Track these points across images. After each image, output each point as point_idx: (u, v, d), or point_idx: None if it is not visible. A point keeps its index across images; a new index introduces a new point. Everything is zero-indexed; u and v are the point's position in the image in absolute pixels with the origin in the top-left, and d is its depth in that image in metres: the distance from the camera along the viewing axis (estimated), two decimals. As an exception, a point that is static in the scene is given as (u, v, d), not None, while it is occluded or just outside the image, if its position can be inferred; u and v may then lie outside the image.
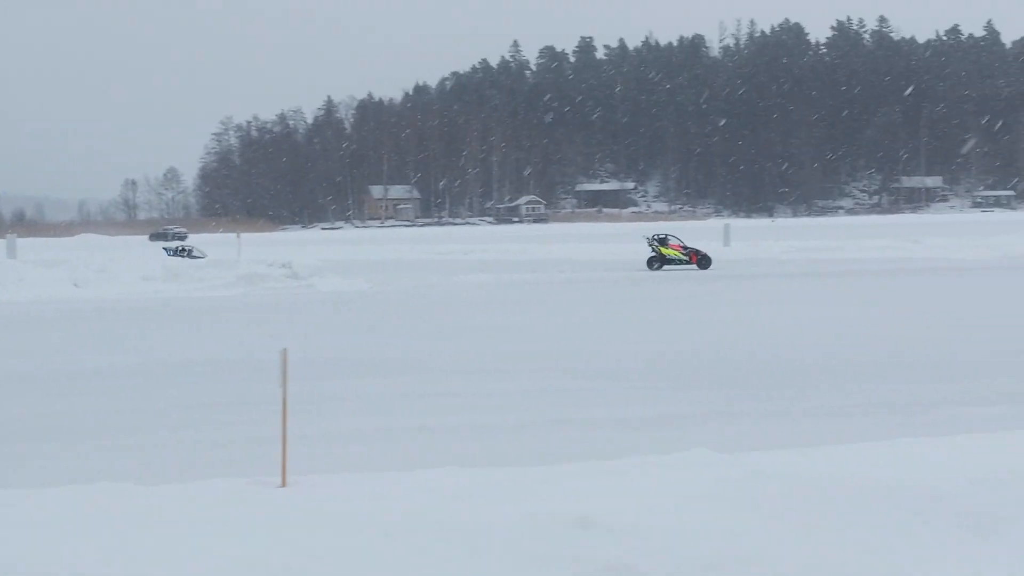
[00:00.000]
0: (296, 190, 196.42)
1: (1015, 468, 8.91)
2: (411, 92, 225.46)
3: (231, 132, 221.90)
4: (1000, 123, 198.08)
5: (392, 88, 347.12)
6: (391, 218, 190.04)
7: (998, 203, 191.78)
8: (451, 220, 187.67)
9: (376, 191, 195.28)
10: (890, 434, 11.22)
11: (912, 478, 8.65)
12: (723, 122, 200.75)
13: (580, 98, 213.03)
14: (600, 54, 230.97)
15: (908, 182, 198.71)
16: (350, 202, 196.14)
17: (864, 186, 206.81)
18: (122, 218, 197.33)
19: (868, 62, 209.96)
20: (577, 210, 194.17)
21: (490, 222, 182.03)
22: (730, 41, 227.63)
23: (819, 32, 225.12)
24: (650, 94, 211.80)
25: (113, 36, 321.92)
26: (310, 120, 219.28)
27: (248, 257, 47.47)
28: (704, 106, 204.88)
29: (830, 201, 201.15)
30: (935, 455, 9.50)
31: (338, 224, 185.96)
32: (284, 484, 9.36)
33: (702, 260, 46.96)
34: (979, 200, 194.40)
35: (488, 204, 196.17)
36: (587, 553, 7.41)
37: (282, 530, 7.87)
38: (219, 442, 12.94)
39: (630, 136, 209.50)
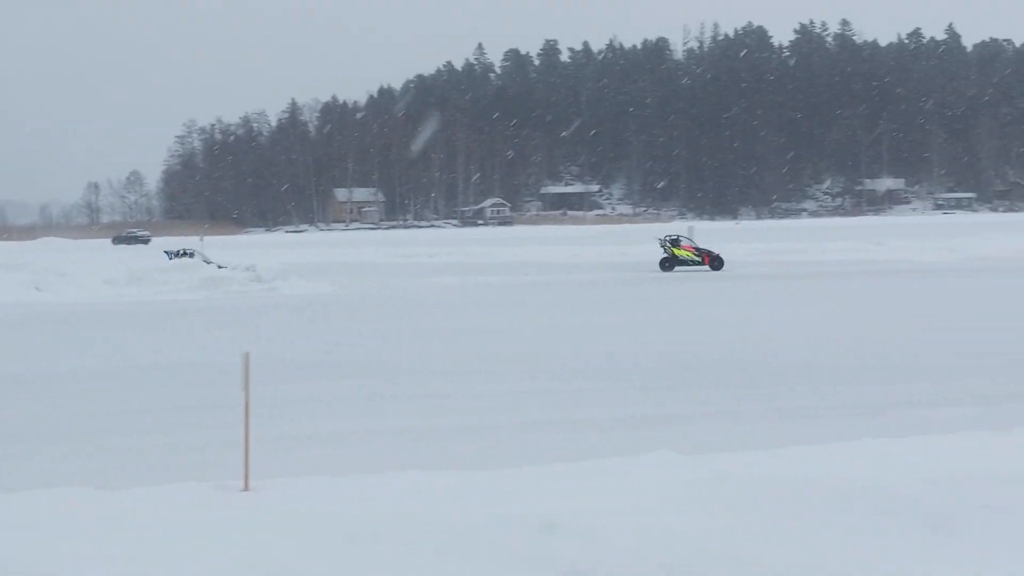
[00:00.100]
0: (260, 193, 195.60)
1: (972, 469, 8.97)
2: (375, 95, 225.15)
3: (194, 135, 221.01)
4: (961, 126, 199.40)
5: (356, 90, 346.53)
6: (355, 221, 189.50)
7: (959, 205, 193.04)
8: (416, 223, 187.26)
9: (340, 194, 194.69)
10: (853, 435, 11.26)
11: (873, 479, 8.70)
12: (687, 125, 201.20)
13: (545, 101, 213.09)
14: (564, 57, 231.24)
15: (871, 184, 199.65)
16: (314, 205, 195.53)
17: (827, 188, 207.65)
18: (85, 221, 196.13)
19: (831, 65, 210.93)
20: (542, 213, 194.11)
21: (455, 225, 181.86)
22: (694, 44, 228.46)
23: (782, 35, 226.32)
24: (614, 97, 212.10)
25: (75, 39, 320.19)
26: (274, 123, 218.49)
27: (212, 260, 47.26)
28: (668, 109, 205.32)
29: (794, 203, 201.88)
30: (896, 456, 9.56)
31: (302, 227, 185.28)
32: (247, 488, 9.32)
33: (714, 261, 47.08)
34: (941, 202, 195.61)
35: (453, 207, 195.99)
36: (552, 556, 7.41)
37: (244, 534, 7.83)
38: (182, 446, 12.86)
39: (594, 139, 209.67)
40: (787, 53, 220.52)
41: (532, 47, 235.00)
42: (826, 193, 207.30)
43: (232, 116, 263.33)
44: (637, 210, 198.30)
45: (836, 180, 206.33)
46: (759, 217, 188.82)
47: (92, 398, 16.54)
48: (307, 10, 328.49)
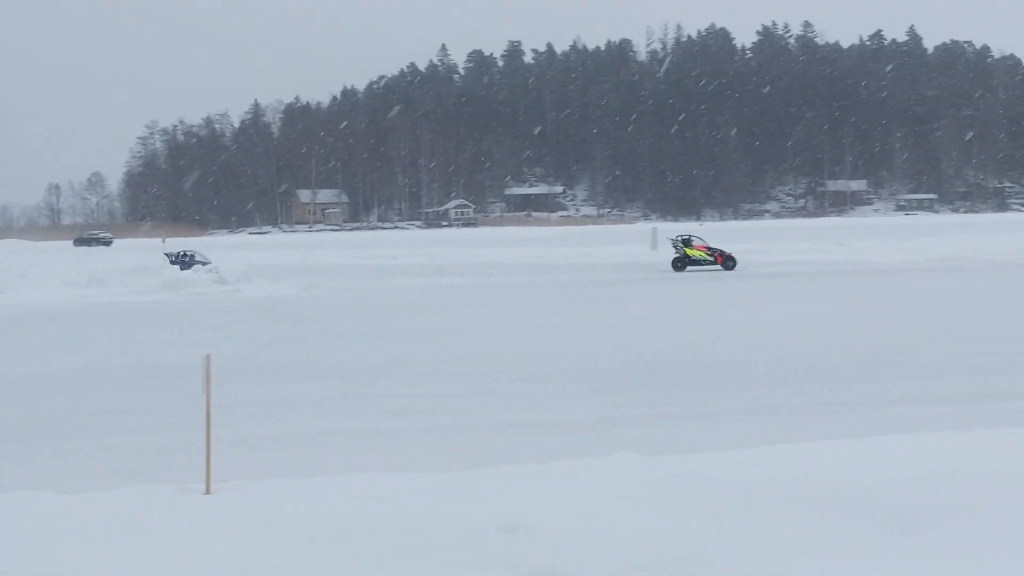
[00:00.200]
0: (223, 194, 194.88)
1: (935, 468, 9.01)
2: (339, 96, 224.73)
3: (157, 136, 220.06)
4: (923, 127, 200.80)
5: (320, 92, 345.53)
6: (319, 223, 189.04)
7: (921, 206, 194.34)
8: (380, 224, 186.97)
9: (304, 195, 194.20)
10: (819, 435, 11.30)
11: (839, 478, 8.73)
12: (651, 126, 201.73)
13: (508, 102, 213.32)
14: (528, 58, 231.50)
15: (833, 186, 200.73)
16: (278, 206, 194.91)
17: (790, 190, 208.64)
18: (46, 223, 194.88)
19: (793, 67, 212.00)
20: (506, 214, 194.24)
21: (419, 226, 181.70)
22: (657, 46, 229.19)
23: (745, 37, 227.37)
24: (578, 98, 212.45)
25: (34, 39, 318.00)
26: (237, 124, 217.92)
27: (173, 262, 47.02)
28: (631, 110, 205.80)
29: (757, 205, 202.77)
30: (860, 456, 9.59)
31: (265, 229, 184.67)
32: (208, 491, 9.27)
33: (727, 261, 46.87)
34: (902, 203, 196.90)
35: (417, 208, 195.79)
36: (515, 557, 7.40)
37: (205, 537, 7.78)
38: (143, 449, 12.78)
39: (558, 140, 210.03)
40: (750, 55, 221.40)
41: (496, 48, 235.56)
42: (789, 194, 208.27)
43: (194, 117, 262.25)
44: (601, 211, 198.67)
45: (799, 182, 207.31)
46: (723, 218, 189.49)
47: (51, 400, 16.42)
48: (270, 11, 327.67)
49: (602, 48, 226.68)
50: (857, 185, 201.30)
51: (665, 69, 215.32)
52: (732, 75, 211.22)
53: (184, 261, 45.27)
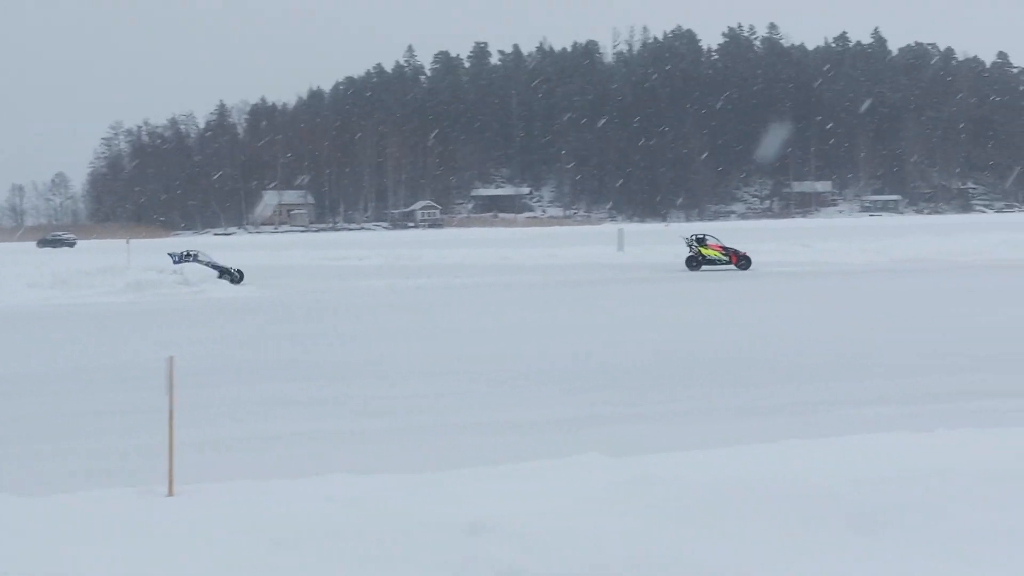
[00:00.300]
0: (188, 195, 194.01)
1: (897, 468, 9.06)
2: (305, 97, 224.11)
3: (121, 137, 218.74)
4: (887, 129, 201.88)
5: (286, 93, 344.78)
6: (285, 223, 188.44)
7: (886, 208, 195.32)
8: (346, 225, 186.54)
9: (270, 196, 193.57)
10: (781, 435, 11.34)
11: (799, 479, 8.75)
12: (617, 128, 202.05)
13: (475, 103, 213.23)
14: (495, 59, 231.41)
15: (798, 187, 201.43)
16: (243, 207, 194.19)
17: (755, 191, 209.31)
18: (9, 224, 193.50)
19: (759, 68, 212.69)
20: (473, 215, 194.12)
21: (385, 227, 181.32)
22: (623, 47, 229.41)
23: (711, 39, 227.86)
24: (544, 99, 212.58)
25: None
26: (202, 125, 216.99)
27: (138, 263, 46.77)
28: (598, 111, 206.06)
29: (723, 206, 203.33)
30: (821, 456, 9.63)
31: (231, 230, 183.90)
32: (171, 493, 9.22)
33: (742, 260, 46.76)
34: (867, 204, 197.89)
35: (383, 209, 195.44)
36: (480, 558, 7.39)
37: (167, 540, 7.74)
38: (106, 451, 12.70)
39: (525, 141, 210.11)
40: (716, 56, 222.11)
41: (462, 49, 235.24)
42: (754, 196, 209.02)
43: (159, 118, 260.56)
44: (568, 212, 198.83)
45: (764, 183, 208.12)
46: (688, 219, 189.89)
47: (12, 403, 16.30)
48: (235, 11, 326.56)
49: (568, 49, 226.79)
50: (822, 186, 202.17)
51: (631, 70, 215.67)
52: (698, 76, 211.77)
53: (187, 261, 44.91)
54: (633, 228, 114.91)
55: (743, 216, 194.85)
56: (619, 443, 11.92)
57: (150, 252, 71.40)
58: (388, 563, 7.33)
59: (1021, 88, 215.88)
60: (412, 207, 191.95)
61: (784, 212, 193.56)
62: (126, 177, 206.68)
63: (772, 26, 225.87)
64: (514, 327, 26.23)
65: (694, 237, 48.68)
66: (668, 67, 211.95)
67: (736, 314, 27.98)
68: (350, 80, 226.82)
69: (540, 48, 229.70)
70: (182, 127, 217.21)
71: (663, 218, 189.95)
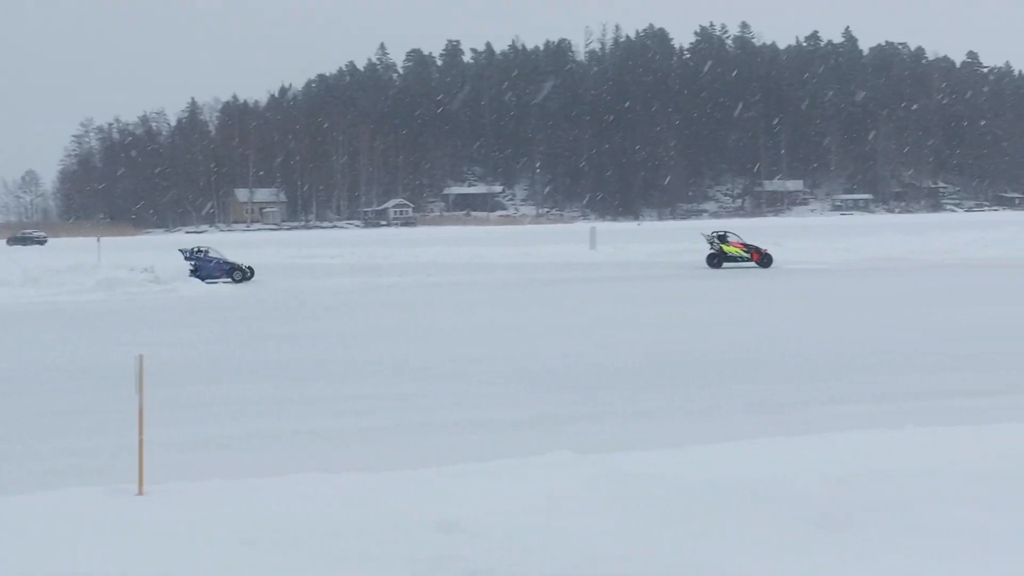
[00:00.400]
0: (159, 193, 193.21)
1: (866, 467, 9.10)
2: (276, 94, 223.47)
3: (92, 134, 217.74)
4: (858, 128, 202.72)
5: (257, 90, 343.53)
6: (257, 221, 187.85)
7: (856, 206, 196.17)
8: (318, 223, 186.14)
9: (241, 194, 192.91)
10: (752, 434, 11.36)
11: (769, 477, 8.79)
12: (589, 126, 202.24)
13: (447, 101, 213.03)
14: (467, 57, 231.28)
15: (770, 186, 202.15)
16: (215, 205, 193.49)
17: (727, 190, 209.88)
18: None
19: (730, 67, 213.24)
20: (445, 213, 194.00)
21: (358, 225, 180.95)
22: (596, 46, 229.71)
23: (683, 38, 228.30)
24: (517, 98, 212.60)
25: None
26: (173, 122, 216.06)
27: (109, 261, 46.56)
28: (570, 110, 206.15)
29: (695, 205, 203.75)
30: (792, 454, 9.67)
31: (203, 228, 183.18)
32: (141, 492, 9.18)
33: (763, 258, 46.52)
34: (838, 203, 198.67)
35: (356, 207, 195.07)
36: (450, 556, 7.39)
37: (137, 539, 7.71)
38: (75, 450, 12.64)
39: (498, 139, 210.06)
40: (687, 55, 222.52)
41: (434, 47, 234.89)
42: (726, 194, 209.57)
43: (131, 116, 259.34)
44: (540, 211, 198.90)
45: (736, 181, 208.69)
46: (661, 218, 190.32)
47: (-17, 402, 16.19)
48: (206, 8, 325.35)
49: (541, 48, 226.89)
50: (793, 185, 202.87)
51: (603, 68, 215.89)
52: (670, 75, 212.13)
53: (199, 257, 44.74)
54: (605, 227, 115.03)
55: (715, 215, 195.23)
56: (589, 441, 11.93)
57: (121, 250, 71.16)
58: (358, 562, 7.32)
59: (990, 88, 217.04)
60: (384, 205, 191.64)
61: (756, 211, 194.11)
62: (97, 175, 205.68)
63: (744, 25, 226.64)
64: (485, 326, 26.22)
65: (715, 234, 48.32)
66: (640, 66, 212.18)
67: (711, 313, 28.03)
68: (322, 78, 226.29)
69: (513, 46, 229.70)
70: (153, 125, 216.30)
71: (635, 217, 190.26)
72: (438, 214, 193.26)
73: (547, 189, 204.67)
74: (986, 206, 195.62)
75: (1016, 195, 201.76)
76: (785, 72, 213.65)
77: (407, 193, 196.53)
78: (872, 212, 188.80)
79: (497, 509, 8.10)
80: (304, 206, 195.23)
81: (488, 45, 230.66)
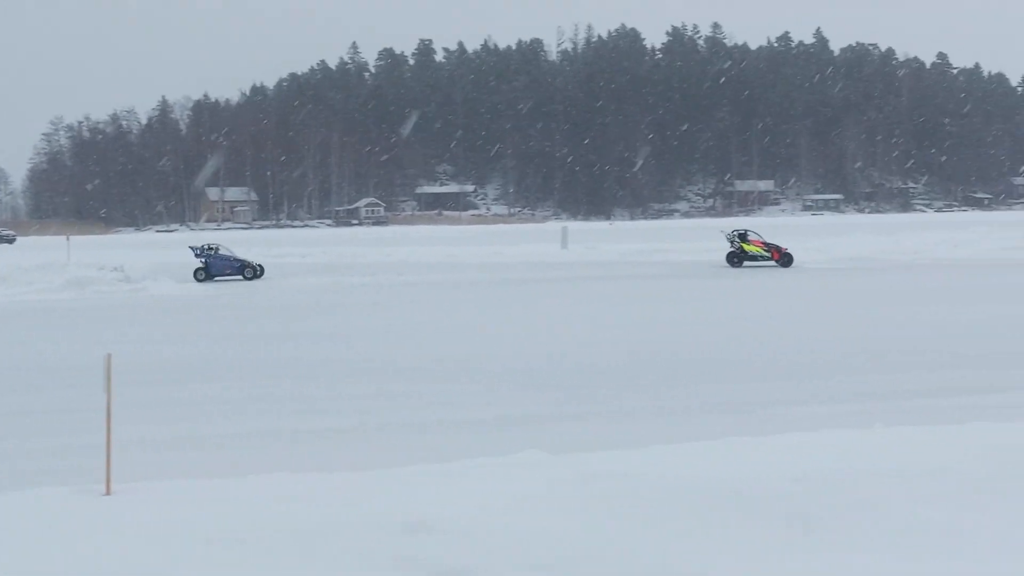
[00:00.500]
0: (130, 192, 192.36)
1: (834, 467, 9.11)
2: (248, 93, 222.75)
3: (62, 132, 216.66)
4: (829, 128, 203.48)
5: (229, 89, 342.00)
6: (228, 220, 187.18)
7: (827, 206, 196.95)
8: (289, 223, 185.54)
9: (212, 193, 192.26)
10: (720, 433, 11.37)
11: (738, 477, 8.78)
12: (561, 126, 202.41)
13: (419, 100, 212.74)
14: (439, 56, 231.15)
15: (741, 185, 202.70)
16: (185, 204, 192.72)
17: (699, 190, 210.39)
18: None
19: (702, 67, 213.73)
20: (417, 213, 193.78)
21: (329, 225, 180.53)
22: (568, 46, 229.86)
23: (655, 38, 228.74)
24: (489, 97, 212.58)
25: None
26: (144, 121, 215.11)
27: (79, 260, 46.30)
28: (542, 110, 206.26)
29: (666, 204, 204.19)
30: (760, 454, 9.67)
31: (173, 227, 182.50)
32: (108, 492, 9.12)
33: (784, 257, 46.31)
34: (809, 203, 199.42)
35: (327, 207, 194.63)
36: (419, 557, 7.36)
37: (104, 539, 7.65)
38: (42, 450, 12.56)
39: (469, 139, 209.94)
40: (659, 55, 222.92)
41: (407, 46, 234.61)
42: (698, 194, 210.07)
43: (101, 114, 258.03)
44: (512, 210, 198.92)
45: (707, 181, 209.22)
46: (632, 218, 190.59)
47: (-51, 402, 16.08)
48: (176, 6, 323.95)
49: (513, 47, 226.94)
50: (765, 185, 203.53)
51: (575, 68, 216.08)
52: (642, 75, 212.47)
53: (209, 255, 44.75)
54: (577, 226, 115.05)
55: (686, 215, 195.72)
56: (559, 441, 11.92)
57: (91, 249, 70.78)
58: (326, 561, 7.28)
59: (960, 89, 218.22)
60: (356, 205, 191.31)
61: (727, 211, 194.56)
62: (67, 173, 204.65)
63: (715, 25, 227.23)
64: (457, 325, 26.20)
65: (736, 233, 48.17)
66: (612, 66, 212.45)
67: (688, 313, 28.07)
68: (294, 76, 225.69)
69: (485, 46, 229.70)
70: (124, 123, 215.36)
71: (607, 216, 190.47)
72: (410, 213, 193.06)
73: (518, 188, 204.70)
74: (956, 206, 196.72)
75: (985, 196, 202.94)
76: (756, 72, 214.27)
77: (379, 192, 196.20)
78: (842, 212, 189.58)
79: (466, 509, 8.07)
80: (275, 205, 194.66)
81: (460, 45, 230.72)
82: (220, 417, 14.46)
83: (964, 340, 21.37)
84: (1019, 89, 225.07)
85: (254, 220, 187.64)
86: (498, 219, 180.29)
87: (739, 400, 15.13)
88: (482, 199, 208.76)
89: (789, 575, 7.21)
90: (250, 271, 44.01)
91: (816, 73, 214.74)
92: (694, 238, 73.65)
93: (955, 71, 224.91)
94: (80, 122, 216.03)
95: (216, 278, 43.48)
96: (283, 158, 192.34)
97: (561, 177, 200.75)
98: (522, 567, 7.23)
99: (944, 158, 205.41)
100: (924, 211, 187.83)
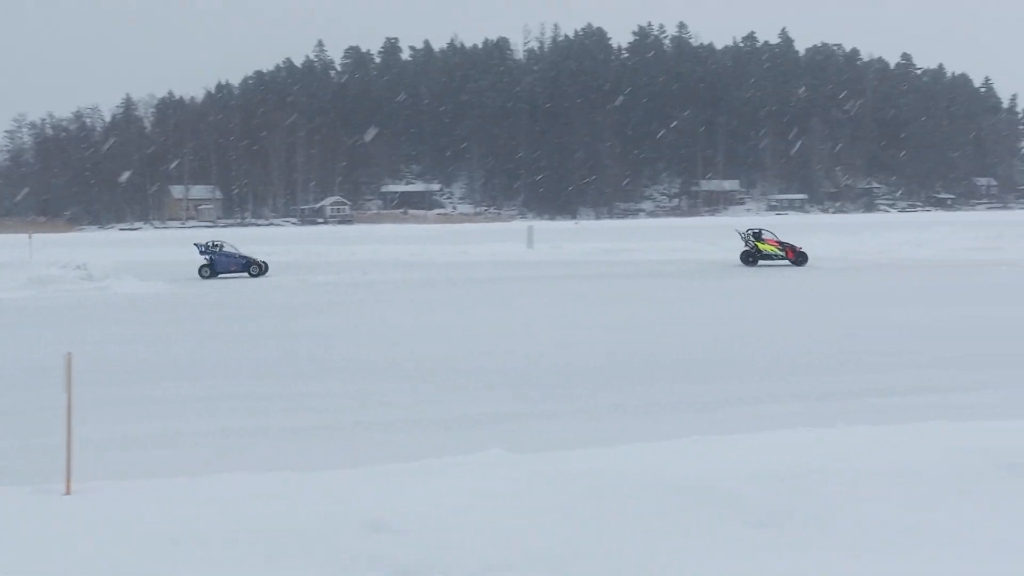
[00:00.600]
0: (94, 190, 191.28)
1: (798, 465, 9.14)
2: (213, 91, 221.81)
3: (24, 130, 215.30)
4: (794, 128, 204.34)
5: (193, 86, 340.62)
6: (192, 219, 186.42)
7: (792, 206, 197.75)
8: (254, 221, 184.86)
9: (177, 191, 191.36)
10: (686, 432, 11.38)
11: (702, 476, 8.80)
12: (527, 125, 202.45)
13: (385, 99, 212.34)
14: (406, 55, 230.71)
15: (706, 185, 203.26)
16: (149, 202, 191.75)
17: (664, 189, 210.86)
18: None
19: (668, 67, 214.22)
20: (383, 211, 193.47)
21: (294, 223, 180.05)
22: (534, 44, 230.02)
23: (621, 37, 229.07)
24: (455, 96, 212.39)
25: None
26: (108, 118, 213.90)
27: (41, 259, 46.02)
28: (509, 109, 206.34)
29: (632, 204, 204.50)
30: (725, 453, 9.69)
31: (137, 224, 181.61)
32: (69, 492, 9.05)
33: (798, 256, 46.31)
34: (774, 203, 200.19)
35: (292, 205, 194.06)
36: (380, 556, 7.34)
37: (64, 539, 7.60)
38: (2, 450, 12.45)
39: (436, 138, 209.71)
40: (625, 55, 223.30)
41: (373, 45, 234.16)
42: (663, 194, 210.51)
43: (64, 112, 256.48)
44: (478, 209, 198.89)
45: (673, 181, 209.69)
46: (598, 217, 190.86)
47: (-91, 401, 15.93)
48: (144, 2, 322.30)
49: (480, 46, 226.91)
50: (730, 185, 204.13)
51: (542, 67, 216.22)
52: (608, 75, 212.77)
53: (214, 252, 44.67)
54: (543, 225, 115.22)
55: (652, 214, 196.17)
56: (523, 440, 11.92)
57: (53, 247, 70.33)
58: (286, 561, 7.25)
59: (924, 90, 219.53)
60: (322, 203, 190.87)
61: (692, 210, 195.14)
62: (30, 171, 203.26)
63: (681, 25, 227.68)
64: (422, 324, 26.15)
65: (750, 232, 48.23)
66: (578, 65, 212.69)
67: (638, 313, 28.12)
68: (259, 74, 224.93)
69: (451, 44, 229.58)
70: (87, 120, 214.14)
71: (573, 215, 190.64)
72: (375, 212, 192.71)
73: (484, 187, 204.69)
74: (919, 207, 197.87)
75: (948, 196, 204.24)
76: (722, 72, 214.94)
77: (344, 191, 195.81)
78: (807, 212, 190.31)
79: (426, 508, 8.05)
80: (240, 203, 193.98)
81: (427, 43, 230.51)
82: (181, 416, 14.38)
83: (927, 341, 21.49)
84: (982, 90, 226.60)
85: (219, 218, 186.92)
86: (464, 218, 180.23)
87: (699, 400, 15.16)
88: (448, 198, 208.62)
89: (749, 574, 7.22)
90: (255, 268, 44.08)
91: (782, 73, 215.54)
92: (660, 238, 73.86)
93: (919, 71, 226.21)
94: (43, 119, 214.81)
95: (221, 275, 43.55)
96: (248, 156, 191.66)
97: (527, 176, 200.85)
98: (483, 566, 7.22)
99: (907, 158, 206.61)
100: (888, 211, 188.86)
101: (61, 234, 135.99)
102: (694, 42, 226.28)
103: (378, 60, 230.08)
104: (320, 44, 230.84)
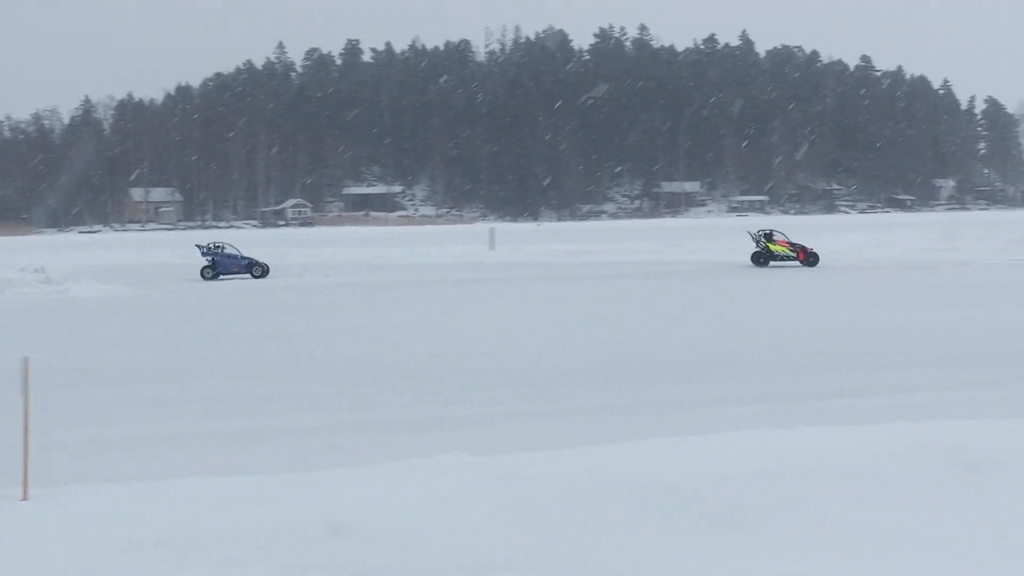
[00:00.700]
0: (52, 192, 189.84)
1: (755, 466, 9.17)
2: (173, 93, 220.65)
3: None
4: (754, 130, 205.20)
5: (153, 88, 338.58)
6: (152, 221, 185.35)
7: (752, 207, 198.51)
8: (215, 223, 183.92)
9: (136, 194, 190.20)
10: (643, 434, 11.41)
11: (660, 477, 8.82)
12: (489, 126, 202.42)
13: (347, 101, 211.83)
14: (367, 57, 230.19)
15: (668, 187, 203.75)
16: (109, 205, 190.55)
17: (626, 191, 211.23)
18: None
19: (629, 69, 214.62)
20: (344, 213, 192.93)
21: (255, 225, 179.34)
22: (496, 46, 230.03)
23: (582, 39, 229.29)
24: (417, 98, 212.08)
25: None
26: (67, 120, 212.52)
27: (-2, 262, 45.67)
28: (470, 110, 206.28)
29: (594, 206, 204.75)
30: (682, 454, 9.72)
31: (96, 227, 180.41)
32: (25, 497, 8.99)
33: (809, 257, 46.12)
34: (735, 205, 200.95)
35: (253, 207, 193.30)
36: (343, 559, 7.33)
37: (21, 545, 7.54)
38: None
39: (397, 140, 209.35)
40: (587, 56, 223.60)
41: (334, 47, 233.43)
42: (625, 195, 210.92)
43: (22, 113, 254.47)
44: (440, 211, 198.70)
45: (634, 183, 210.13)
46: (560, 219, 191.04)
47: None
48: (102, 3, 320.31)
49: (441, 48, 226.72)
50: (691, 187, 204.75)
51: (503, 69, 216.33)
52: (569, 76, 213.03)
53: (216, 253, 44.45)
54: (505, 227, 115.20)
55: (614, 216, 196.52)
56: (484, 442, 11.91)
57: (11, 250, 69.80)
58: (246, 566, 7.22)
59: (883, 92, 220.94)
60: (283, 205, 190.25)
61: (654, 212, 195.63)
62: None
63: (643, 27, 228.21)
64: (383, 327, 26.12)
65: (761, 233, 48.11)
66: (539, 67, 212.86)
67: (596, 315, 28.15)
68: (219, 76, 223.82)
69: (412, 46, 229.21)
70: (46, 122, 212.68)
71: (535, 217, 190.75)
72: (337, 214, 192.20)
73: (446, 189, 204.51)
74: (879, 208, 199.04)
75: (908, 197, 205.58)
76: (683, 74, 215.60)
77: (306, 193, 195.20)
78: (768, 213, 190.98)
79: (391, 511, 8.04)
80: (200, 206, 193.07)
81: (388, 45, 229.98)
82: (139, 420, 14.30)
83: (887, 342, 21.62)
84: (941, 92, 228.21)
85: (179, 221, 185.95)
86: (426, 220, 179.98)
87: (657, 401, 15.20)
88: (410, 200, 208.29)
89: (707, 574, 7.25)
90: (258, 269, 44.02)
91: (742, 75, 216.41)
92: (621, 239, 74.01)
93: (878, 74, 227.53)
94: (1, 121, 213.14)
95: (223, 276, 43.42)
96: (208, 158, 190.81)
97: (489, 178, 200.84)
98: (443, 568, 7.22)
99: (867, 159, 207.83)
100: (848, 212, 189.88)
101: (19, 237, 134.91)
102: (655, 44, 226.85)
103: (339, 62, 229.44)
104: (281, 46, 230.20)
